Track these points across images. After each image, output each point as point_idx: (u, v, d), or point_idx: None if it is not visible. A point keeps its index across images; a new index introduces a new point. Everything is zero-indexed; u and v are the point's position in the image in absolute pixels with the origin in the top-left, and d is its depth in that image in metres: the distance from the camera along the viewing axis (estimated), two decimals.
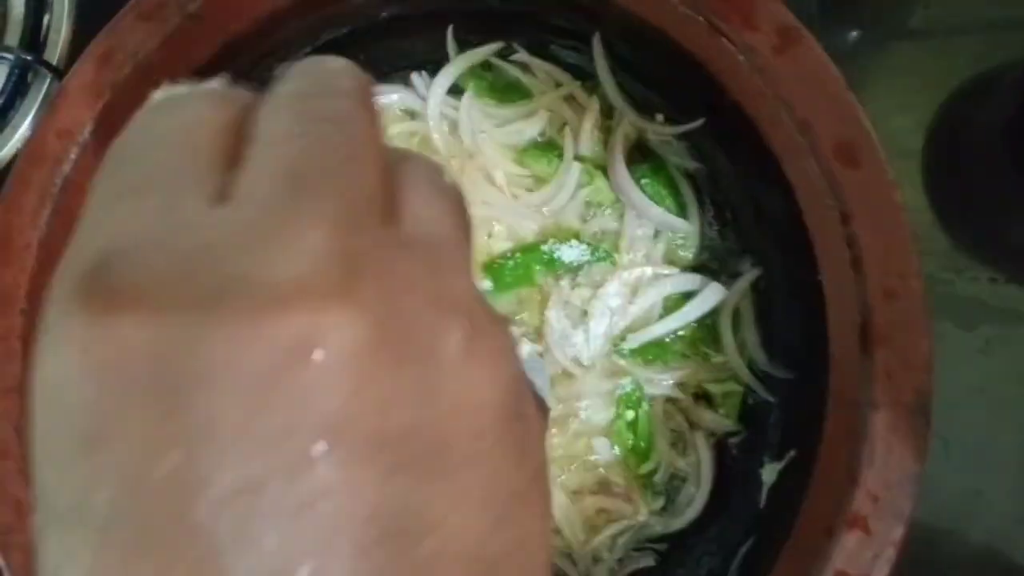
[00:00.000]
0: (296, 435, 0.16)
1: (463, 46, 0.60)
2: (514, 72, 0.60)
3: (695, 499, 0.57)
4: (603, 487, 0.58)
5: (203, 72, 0.55)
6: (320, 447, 0.16)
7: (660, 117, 0.59)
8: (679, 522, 0.57)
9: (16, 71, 0.75)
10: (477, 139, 0.59)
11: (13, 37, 0.75)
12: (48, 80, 0.74)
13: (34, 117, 0.74)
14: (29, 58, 0.72)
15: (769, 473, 0.54)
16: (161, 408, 0.16)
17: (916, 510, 0.45)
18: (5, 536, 0.49)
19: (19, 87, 0.75)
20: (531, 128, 0.60)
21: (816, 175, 0.47)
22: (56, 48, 0.76)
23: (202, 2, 0.51)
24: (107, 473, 0.17)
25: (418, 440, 0.18)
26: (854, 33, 0.73)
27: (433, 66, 0.61)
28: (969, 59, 0.71)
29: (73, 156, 0.52)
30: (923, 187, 0.70)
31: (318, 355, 0.16)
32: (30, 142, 0.52)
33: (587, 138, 0.59)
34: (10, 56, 0.74)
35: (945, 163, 0.71)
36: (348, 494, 0.17)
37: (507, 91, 0.60)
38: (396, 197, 0.21)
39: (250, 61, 0.58)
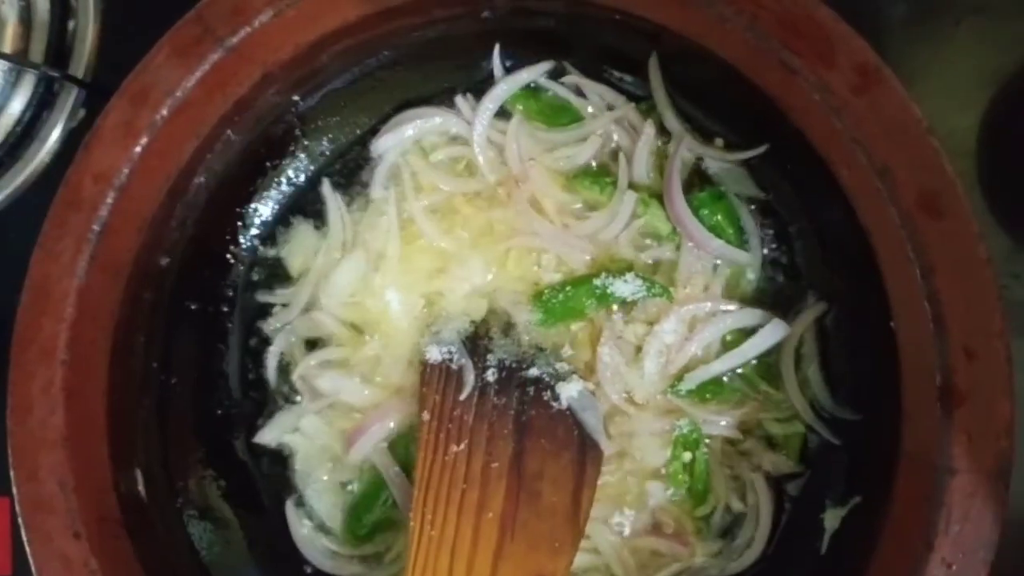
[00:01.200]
0: None
1: (511, 67, 0.57)
2: (565, 94, 0.57)
3: (754, 542, 0.55)
4: (657, 529, 0.56)
5: (241, 104, 0.53)
6: None
7: (720, 142, 0.56)
8: (736, 566, 0.55)
9: (43, 83, 0.73)
10: (525, 165, 0.56)
11: (38, 46, 0.73)
12: (75, 92, 0.72)
13: (62, 129, 0.72)
14: (55, 75, 0.70)
15: (832, 519, 0.52)
16: None
17: None
18: None
19: (45, 99, 0.74)
20: (583, 153, 0.57)
21: (896, 224, 0.44)
22: (82, 59, 0.73)
23: (243, 35, 0.49)
24: None
25: None
26: (899, 7, 0.68)
27: (478, 88, 0.58)
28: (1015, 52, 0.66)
29: (110, 200, 0.50)
30: (980, 186, 0.66)
31: None
32: (65, 187, 0.50)
33: (641, 164, 0.56)
34: (35, 71, 0.72)
35: (1004, 158, 0.67)
36: None
37: (557, 114, 0.58)
38: None
39: (288, 88, 0.56)
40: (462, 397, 0.55)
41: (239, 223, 0.60)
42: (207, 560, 0.56)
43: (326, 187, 0.59)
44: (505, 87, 0.57)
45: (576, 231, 0.56)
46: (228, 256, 0.60)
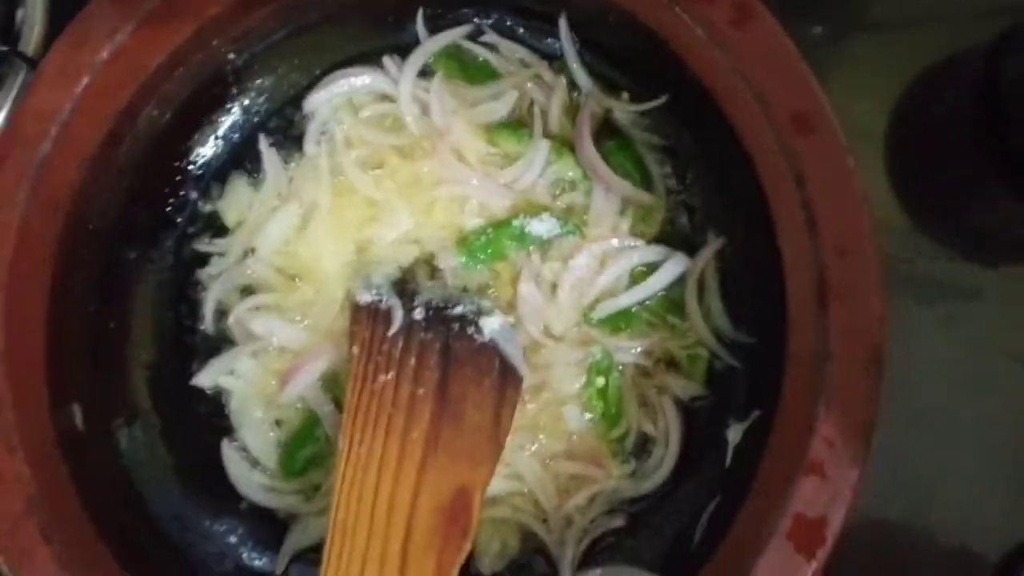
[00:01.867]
0: None
1: (433, 29, 0.62)
2: (483, 54, 0.62)
3: (664, 461, 0.59)
4: (575, 453, 0.60)
5: (177, 55, 0.57)
6: None
7: (626, 96, 0.61)
8: (649, 484, 0.59)
9: None
10: (449, 119, 0.61)
11: None
12: (23, 72, 0.75)
13: (9, 109, 0.74)
14: (5, 48, 0.73)
15: (735, 433, 0.56)
16: None
17: (869, 458, 0.47)
18: None
19: None
20: (501, 108, 0.62)
21: (772, 144, 0.49)
22: (31, 41, 0.76)
23: None
24: None
25: None
26: (817, 28, 0.76)
27: (404, 49, 0.62)
28: (928, 48, 0.74)
29: (52, 134, 0.53)
30: (885, 171, 0.73)
31: None
32: (8, 125, 0.53)
33: (555, 117, 0.61)
34: None
35: (906, 147, 0.74)
36: None
37: (476, 72, 0.62)
38: None
39: (223, 44, 0.59)
40: (390, 333, 0.58)
41: (177, 177, 0.63)
42: (143, 493, 0.58)
43: (262, 142, 0.63)
44: (428, 47, 0.62)
45: (497, 179, 0.61)
46: (167, 208, 0.63)
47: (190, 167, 0.63)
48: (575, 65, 0.61)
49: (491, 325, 0.58)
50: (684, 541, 0.56)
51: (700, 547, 0.55)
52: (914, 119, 0.74)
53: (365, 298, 0.60)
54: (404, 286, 0.61)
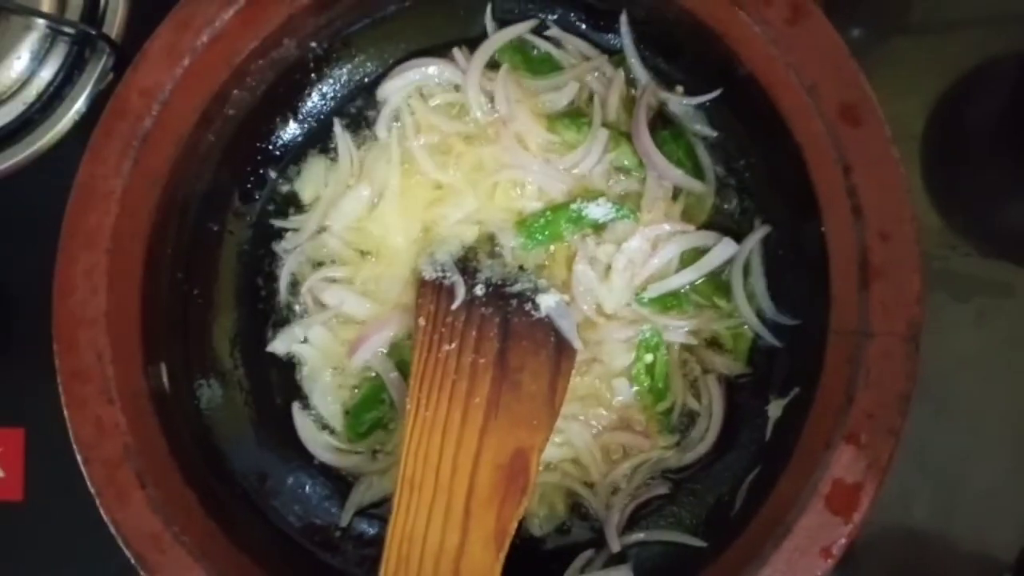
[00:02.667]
0: None
1: (500, 23, 0.66)
2: (547, 47, 0.66)
3: (707, 434, 0.63)
4: (623, 424, 0.64)
5: (267, 42, 0.61)
6: None
7: (680, 89, 0.64)
8: (692, 455, 0.63)
9: (75, 47, 0.80)
10: (512, 108, 0.65)
11: (74, 13, 0.80)
12: (105, 56, 0.79)
13: (91, 91, 0.79)
14: (93, 32, 0.77)
15: (775, 409, 0.60)
16: None
17: (904, 429, 0.50)
18: (88, 451, 0.55)
19: (77, 63, 0.81)
20: (562, 98, 0.66)
21: (822, 133, 0.53)
22: (113, 27, 0.80)
23: None
24: None
25: None
26: (857, 31, 0.79)
27: (472, 41, 0.67)
28: (966, 51, 0.77)
29: (154, 112, 0.57)
30: (921, 170, 0.76)
31: None
32: (115, 99, 0.58)
33: (613, 107, 0.65)
34: (72, 30, 0.79)
35: (942, 148, 0.77)
36: None
37: (540, 65, 0.66)
38: None
39: (308, 33, 0.64)
40: (453, 307, 0.62)
41: (258, 157, 0.67)
42: (222, 448, 0.63)
43: (337, 126, 0.67)
44: (495, 40, 0.66)
45: (556, 164, 0.65)
46: (248, 185, 0.67)
47: (270, 148, 0.68)
48: (633, 60, 0.65)
49: (547, 302, 0.62)
50: (725, 507, 0.60)
51: (740, 512, 0.58)
52: (950, 121, 0.77)
53: (430, 274, 0.64)
54: (466, 264, 0.65)
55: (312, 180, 0.68)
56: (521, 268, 0.64)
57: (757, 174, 0.63)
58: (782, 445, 0.57)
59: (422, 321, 0.62)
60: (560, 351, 0.61)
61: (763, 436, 0.60)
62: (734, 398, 0.63)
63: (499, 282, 0.64)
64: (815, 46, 0.53)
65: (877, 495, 0.50)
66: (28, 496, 0.76)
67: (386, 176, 0.66)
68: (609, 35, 0.66)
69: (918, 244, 0.51)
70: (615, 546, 0.61)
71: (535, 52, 0.67)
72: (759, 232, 0.62)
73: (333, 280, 0.66)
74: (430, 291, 0.63)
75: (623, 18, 0.64)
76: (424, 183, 0.66)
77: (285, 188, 0.68)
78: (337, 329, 0.66)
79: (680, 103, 0.64)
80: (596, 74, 0.66)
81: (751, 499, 0.58)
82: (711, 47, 0.58)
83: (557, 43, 0.67)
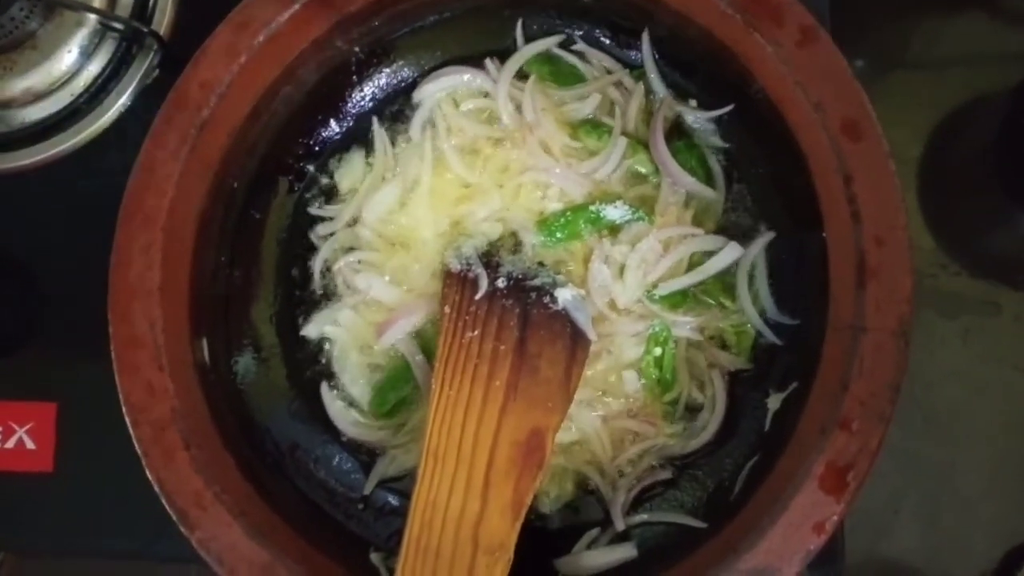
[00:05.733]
0: None
1: (529, 37, 0.72)
2: (572, 60, 0.71)
3: (709, 424, 0.67)
4: (631, 412, 0.68)
5: (317, 44, 0.66)
6: None
7: (694, 102, 0.70)
8: (695, 443, 0.67)
9: (124, 43, 0.85)
10: (538, 115, 0.70)
11: (123, 12, 0.85)
12: (152, 52, 0.84)
13: (137, 84, 0.83)
14: (144, 29, 0.82)
15: (774, 402, 0.64)
16: None
17: (893, 418, 0.55)
18: (138, 414, 0.59)
19: (124, 58, 0.85)
20: (585, 107, 0.71)
21: (826, 146, 0.58)
22: (161, 25, 0.85)
23: None
24: None
25: None
26: (859, 62, 0.84)
27: (503, 53, 0.72)
28: (960, 86, 0.83)
29: (212, 104, 0.62)
30: (916, 194, 0.81)
31: None
32: (175, 91, 0.62)
33: (633, 118, 0.70)
34: (121, 26, 0.83)
35: (936, 174, 0.82)
36: None
37: (566, 76, 0.71)
38: None
39: (353, 38, 0.69)
40: (477, 297, 0.67)
41: (300, 151, 0.72)
42: (257, 418, 0.67)
43: (375, 124, 0.72)
44: (524, 53, 0.71)
45: (578, 169, 0.70)
46: (289, 176, 0.72)
47: (312, 143, 0.72)
48: (653, 75, 0.70)
49: (564, 296, 0.66)
50: (725, 492, 0.64)
51: (739, 496, 0.63)
52: (944, 149, 0.82)
53: (456, 266, 0.68)
54: (490, 258, 0.69)
55: (349, 174, 0.72)
56: (541, 264, 0.69)
57: (765, 184, 0.68)
58: (780, 434, 0.62)
59: (447, 309, 0.66)
60: (576, 341, 0.65)
61: (762, 426, 0.65)
62: (735, 390, 0.68)
63: (520, 276, 0.68)
64: (822, 67, 0.58)
65: (867, 477, 0.55)
66: (57, 468, 0.80)
67: (418, 173, 0.71)
68: (631, 51, 0.71)
69: (910, 248, 0.56)
70: (620, 525, 0.65)
71: (562, 64, 0.72)
72: (764, 237, 0.67)
73: (363, 265, 0.70)
74: (455, 282, 0.68)
75: (645, 35, 0.69)
76: (453, 181, 0.71)
77: (324, 181, 0.73)
78: (366, 312, 0.70)
79: (695, 116, 0.69)
80: (617, 86, 0.71)
81: (749, 484, 0.62)
82: (726, 64, 0.63)
83: (582, 56, 0.72)
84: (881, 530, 0.78)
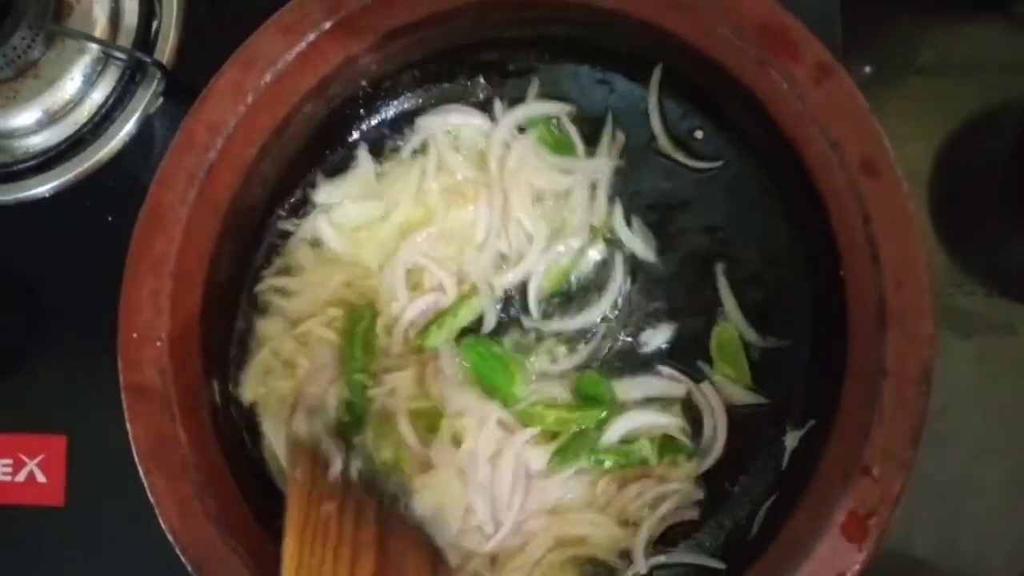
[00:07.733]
0: None
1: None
2: (573, 135, 0.69)
3: (717, 431, 0.65)
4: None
5: (324, 82, 0.65)
6: None
7: (700, 134, 0.68)
8: (712, 456, 0.65)
9: (127, 71, 0.84)
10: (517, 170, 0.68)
11: (126, 39, 0.84)
12: (155, 81, 0.83)
13: (140, 113, 0.82)
14: (147, 59, 0.81)
15: (791, 439, 0.64)
16: None
17: (915, 462, 0.54)
18: (149, 462, 0.58)
19: (128, 86, 0.84)
20: (565, 181, 0.69)
21: (844, 185, 0.57)
22: (164, 54, 0.84)
23: (335, 21, 0.61)
24: None
25: None
26: (869, 69, 0.83)
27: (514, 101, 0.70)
28: (974, 96, 0.82)
29: (219, 146, 0.61)
30: (928, 209, 0.80)
31: None
32: (182, 132, 0.61)
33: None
34: (123, 55, 0.82)
35: (949, 189, 0.81)
36: None
37: (561, 146, 0.70)
38: None
39: (360, 75, 0.68)
40: (329, 477, 0.61)
41: (306, 187, 0.71)
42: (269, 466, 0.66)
43: (362, 151, 0.71)
44: (529, 108, 0.69)
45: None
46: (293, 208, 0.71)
47: (316, 174, 0.71)
48: (653, 112, 0.69)
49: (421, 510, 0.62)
50: (742, 531, 0.64)
51: (757, 536, 0.62)
52: (958, 163, 0.81)
53: (302, 431, 0.64)
54: (341, 434, 0.65)
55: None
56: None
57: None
58: (798, 473, 0.61)
59: (299, 474, 0.59)
60: (440, 555, 0.61)
61: (780, 464, 0.64)
62: (749, 426, 0.66)
63: (369, 478, 0.63)
64: (839, 103, 0.57)
65: (889, 524, 0.54)
66: (68, 502, 0.79)
67: (398, 198, 0.69)
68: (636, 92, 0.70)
69: (931, 292, 0.55)
70: (642, 568, 0.63)
71: (562, 131, 0.70)
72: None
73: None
74: (306, 455, 0.62)
75: (656, 71, 0.68)
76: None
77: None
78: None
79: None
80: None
81: (768, 524, 0.62)
82: (740, 99, 0.62)
83: (585, 138, 0.70)
84: (896, 553, 0.77)
